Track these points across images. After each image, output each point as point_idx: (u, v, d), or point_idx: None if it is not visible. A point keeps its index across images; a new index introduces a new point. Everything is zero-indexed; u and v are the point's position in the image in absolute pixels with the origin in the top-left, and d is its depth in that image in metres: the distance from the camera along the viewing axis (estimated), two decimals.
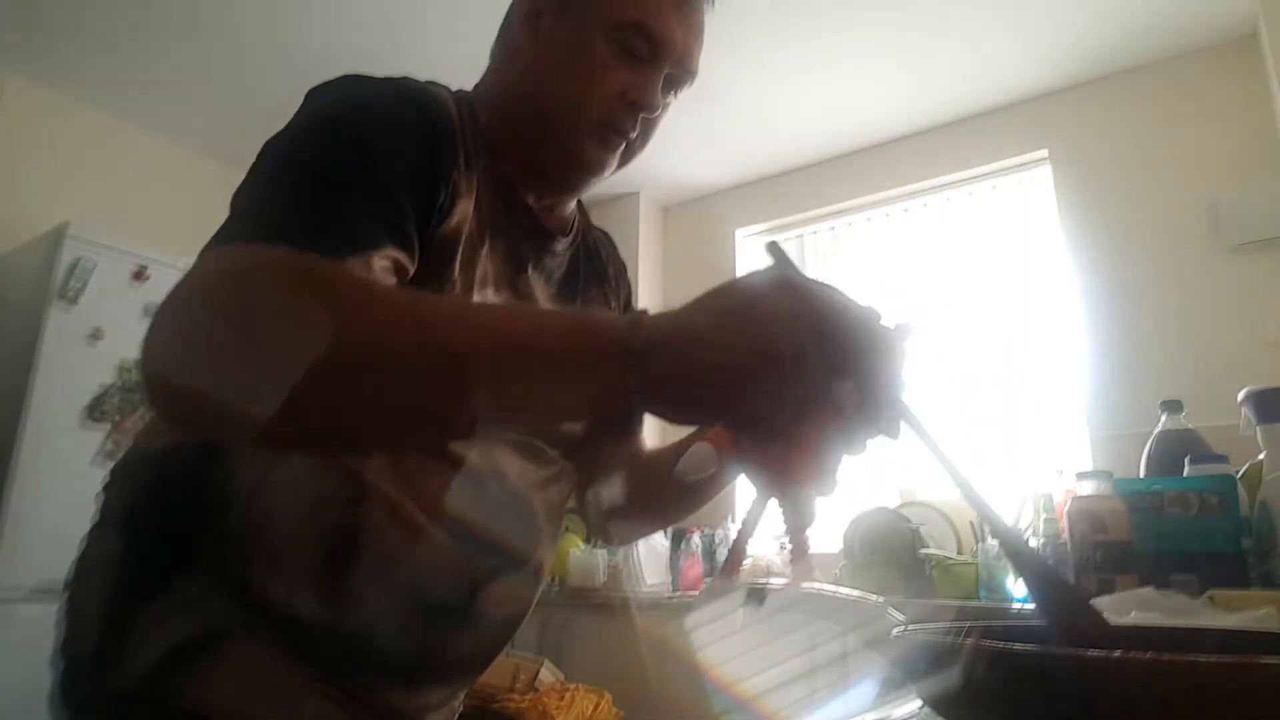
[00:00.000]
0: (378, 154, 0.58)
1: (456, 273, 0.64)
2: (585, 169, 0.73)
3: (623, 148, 0.73)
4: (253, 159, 0.58)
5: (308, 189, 0.54)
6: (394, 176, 0.58)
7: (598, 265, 0.86)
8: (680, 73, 0.73)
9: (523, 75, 0.73)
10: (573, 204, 0.81)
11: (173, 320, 0.44)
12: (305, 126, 0.59)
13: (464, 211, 0.65)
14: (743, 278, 0.44)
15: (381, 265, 0.55)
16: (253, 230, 0.51)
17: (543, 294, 0.76)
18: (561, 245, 0.78)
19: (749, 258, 3.53)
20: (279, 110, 0.66)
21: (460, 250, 0.65)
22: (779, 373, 0.40)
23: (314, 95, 0.62)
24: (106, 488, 0.67)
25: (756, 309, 0.41)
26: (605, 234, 0.92)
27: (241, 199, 0.55)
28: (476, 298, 0.67)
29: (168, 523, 0.63)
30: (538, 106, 0.72)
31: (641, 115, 0.72)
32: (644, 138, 0.75)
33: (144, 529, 0.63)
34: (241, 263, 0.46)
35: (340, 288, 0.44)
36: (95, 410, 2.38)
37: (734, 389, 0.41)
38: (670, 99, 0.75)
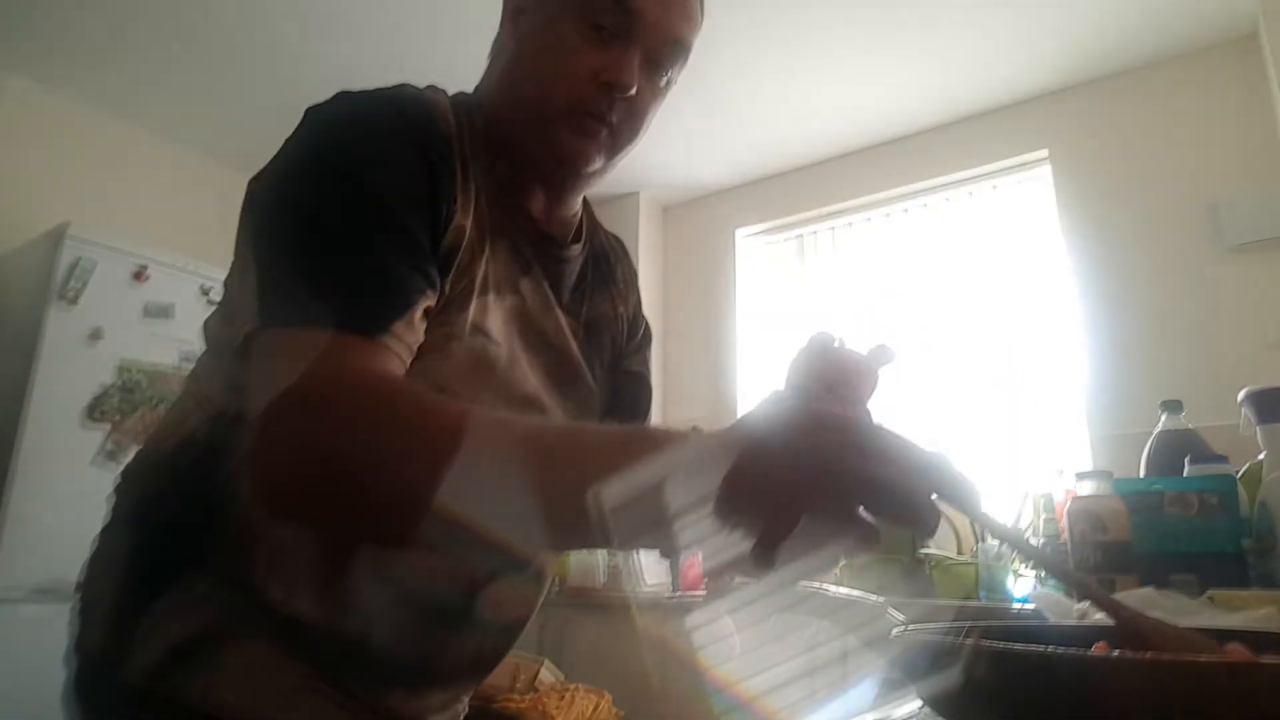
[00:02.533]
0: (391, 195, 0.58)
1: (453, 279, 0.64)
2: (565, 159, 0.69)
3: (606, 135, 0.69)
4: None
5: (340, 251, 0.55)
6: (408, 214, 0.59)
7: (605, 269, 0.85)
8: (661, 47, 0.68)
9: (505, 72, 0.71)
10: (576, 206, 0.79)
11: (280, 440, 0.49)
12: (315, 169, 0.59)
13: (463, 220, 0.64)
14: (782, 415, 0.41)
15: (418, 316, 0.57)
16: (299, 306, 0.53)
17: (549, 296, 0.74)
18: (565, 248, 0.77)
19: (748, 257, 3.54)
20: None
21: (459, 257, 0.64)
22: (822, 509, 0.39)
23: (310, 121, 0.62)
24: (117, 489, 0.68)
25: (799, 463, 0.39)
26: (617, 239, 0.91)
27: (270, 260, 0.56)
28: (477, 303, 0.66)
29: (173, 524, 0.63)
30: (516, 99, 0.69)
31: (620, 97, 0.67)
32: (631, 125, 0.70)
33: (150, 530, 0.64)
34: (331, 386, 0.50)
35: (421, 437, 0.47)
36: (95, 410, 2.38)
37: (778, 524, 0.40)
38: (663, 81, 0.71)
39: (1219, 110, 2.53)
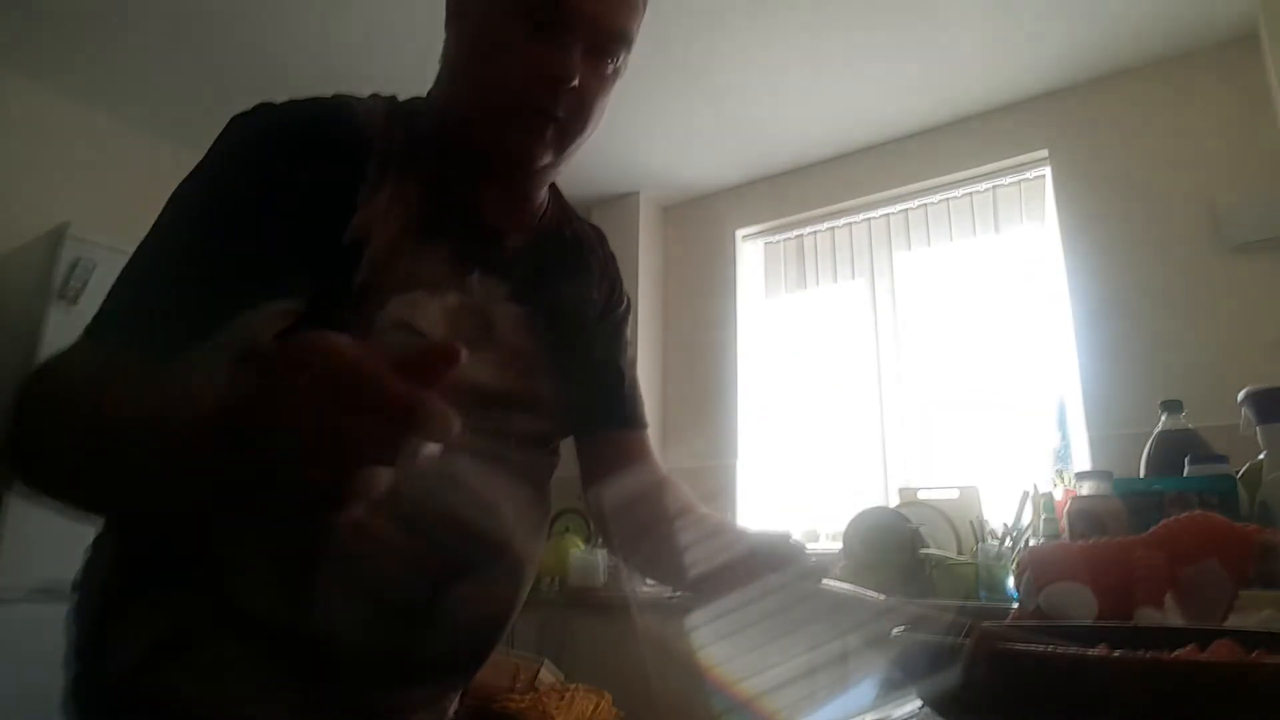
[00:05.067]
0: (266, 215, 0.61)
1: (364, 279, 0.64)
2: (515, 158, 0.70)
3: (553, 131, 0.69)
4: None
5: (178, 273, 0.59)
6: (279, 229, 0.60)
7: (576, 259, 0.84)
8: (603, 39, 0.68)
9: (451, 75, 0.72)
10: (538, 199, 0.79)
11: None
12: (198, 191, 0.62)
13: (374, 219, 0.65)
14: None
15: (270, 317, 0.59)
16: (129, 314, 0.57)
17: (494, 294, 0.73)
18: (523, 242, 0.76)
19: (748, 257, 3.54)
20: None
21: (371, 255, 0.64)
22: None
23: (223, 134, 0.64)
24: None
25: None
26: (593, 227, 0.90)
27: (129, 268, 0.60)
28: (402, 300, 0.65)
29: (149, 528, 0.65)
30: (463, 102, 0.70)
31: (566, 90, 0.67)
32: (579, 117, 0.70)
33: (129, 534, 0.66)
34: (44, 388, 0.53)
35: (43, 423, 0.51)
36: None
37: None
38: (609, 70, 0.71)
39: (1219, 110, 2.53)
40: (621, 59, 0.72)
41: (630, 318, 0.92)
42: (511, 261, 0.75)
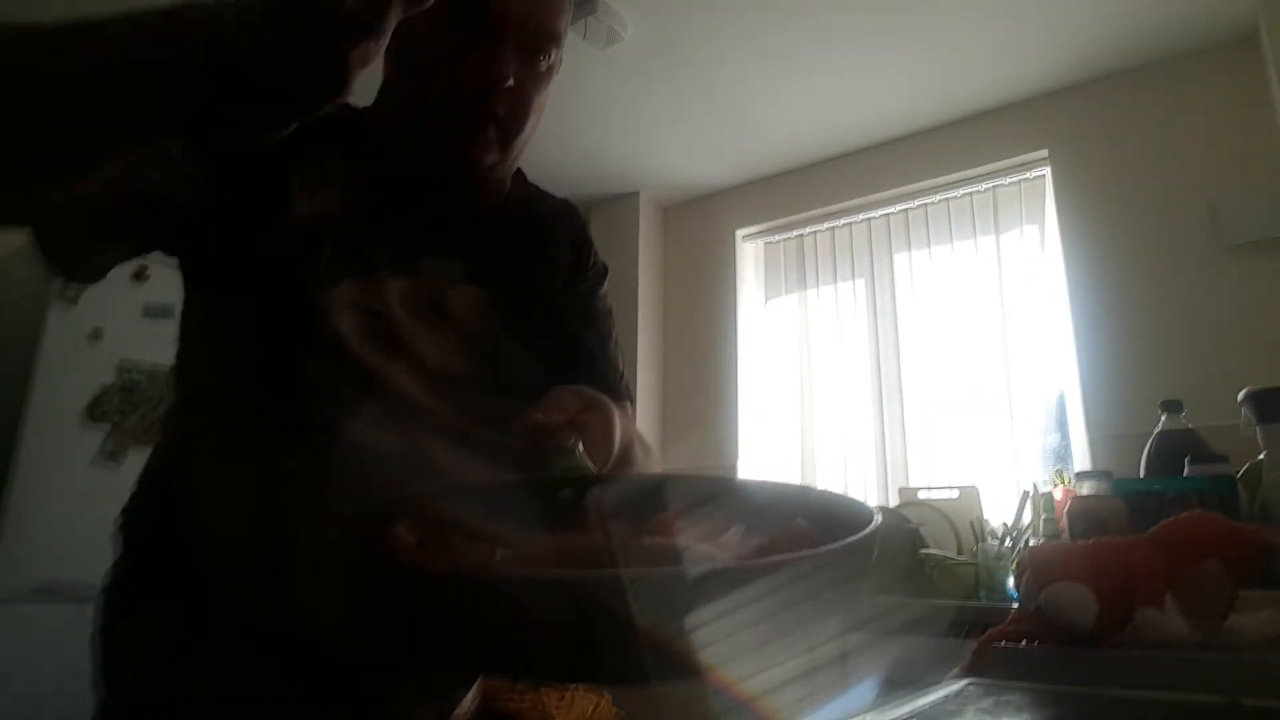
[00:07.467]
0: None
1: (321, 264, 0.66)
2: (460, 162, 0.72)
3: (494, 130, 0.71)
4: None
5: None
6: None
7: (539, 237, 0.83)
8: (533, 40, 0.70)
9: (390, 84, 0.74)
10: (489, 193, 0.79)
11: None
12: None
13: (317, 207, 0.67)
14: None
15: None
16: None
17: (450, 276, 0.74)
18: (472, 225, 0.77)
19: (748, 257, 3.54)
20: None
21: (324, 244, 0.67)
22: None
23: None
24: (121, 527, 0.72)
25: None
26: (563, 201, 0.89)
27: None
28: (356, 284, 0.67)
29: (146, 542, 0.68)
30: (403, 109, 0.73)
31: (502, 91, 0.69)
32: (518, 115, 0.72)
33: (129, 552, 0.69)
34: None
35: None
36: (95, 410, 2.39)
37: None
38: (541, 68, 0.73)
39: (1219, 110, 2.53)
40: (554, 56, 0.74)
41: (605, 285, 0.90)
42: (467, 244, 0.76)
